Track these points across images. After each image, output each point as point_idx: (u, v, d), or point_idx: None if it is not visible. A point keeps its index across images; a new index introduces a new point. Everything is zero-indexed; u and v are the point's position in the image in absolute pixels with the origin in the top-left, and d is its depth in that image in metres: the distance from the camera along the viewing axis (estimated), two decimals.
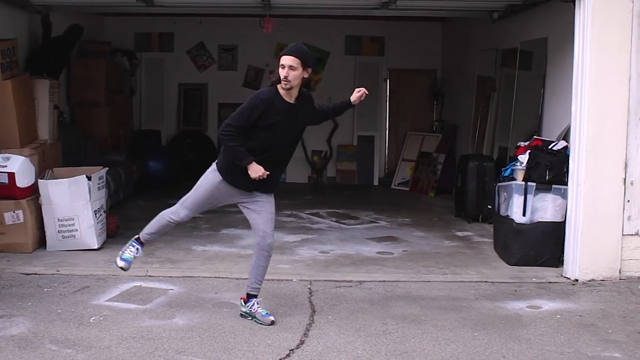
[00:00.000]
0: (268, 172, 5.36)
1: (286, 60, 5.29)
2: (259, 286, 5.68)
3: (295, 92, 5.41)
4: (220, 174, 5.53)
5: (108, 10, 12.01)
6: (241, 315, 5.68)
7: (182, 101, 13.93)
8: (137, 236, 5.84)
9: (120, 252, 5.79)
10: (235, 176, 5.47)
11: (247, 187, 5.48)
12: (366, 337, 5.30)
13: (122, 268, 5.76)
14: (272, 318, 5.54)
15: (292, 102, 5.41)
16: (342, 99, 12.77)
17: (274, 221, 5.65)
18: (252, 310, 5.60)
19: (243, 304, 5.68)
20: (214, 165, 5.61)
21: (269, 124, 5.35)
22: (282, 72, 5.29)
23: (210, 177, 5.58)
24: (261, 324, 5.52)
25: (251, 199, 5.56)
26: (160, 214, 5.76)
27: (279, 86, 5.37)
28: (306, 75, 5.38)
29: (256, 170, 5.34)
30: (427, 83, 14.12)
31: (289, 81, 5.29)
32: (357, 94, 5.65)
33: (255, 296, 5.65)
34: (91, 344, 5.01)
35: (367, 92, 5.62)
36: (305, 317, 5.70)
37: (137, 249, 5.78)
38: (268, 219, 5.56)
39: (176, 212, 5.67)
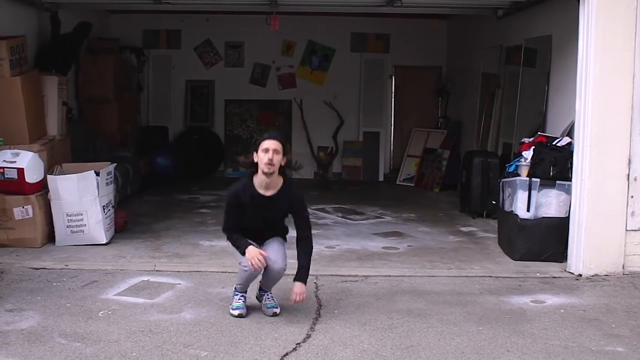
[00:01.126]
0: (262, 259, 5.36)
1: (271, 144, 5.30)
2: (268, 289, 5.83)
3: (272, 182, 5.42)
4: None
5: (116, 8, 12.05)
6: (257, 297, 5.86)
7: (189, 98, 13.94)
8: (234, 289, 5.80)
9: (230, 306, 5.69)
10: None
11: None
12: (372, 331, 5.31)
13: (240, 315, 5.57)
14: (276, 310, 5.66)
15: (266, 194, 5.44)
16: (347, 96, 12.79)
17: (284, 253, 5.62)
18: (263, 298, 5.76)
19: (258, 290, 5.84)
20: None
21: (248, 212, 5.46)
22: (267, 156, 5.28)
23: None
24: (264, 313, 5.68)
25: None
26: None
27: (256, 176, 5.42)
28: (283, 163, 5.41)
29: (251, 255, 5.35)
30: (432, 80, 14.13)
31: (273, 165, 5.30)
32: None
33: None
34: (100, 338, 5.03)
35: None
36: (311, 311, 5.71)
37: (241, 295, 5.70)
38: (275, 249, 5.58)
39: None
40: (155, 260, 7.22)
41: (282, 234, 5.78)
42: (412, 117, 14.11)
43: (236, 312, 5.59)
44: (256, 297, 5.84)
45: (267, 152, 5.28)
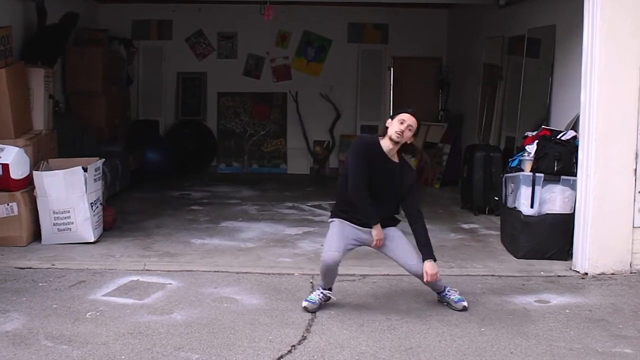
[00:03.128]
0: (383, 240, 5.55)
1: (409, 118, 5.49)
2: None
3: (395, 152, 5.56)
4: (334, 217, 5.72)
5: None
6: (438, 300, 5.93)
7: (181, 90, 13.81)
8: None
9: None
10: (346, 214, 5.64)
11: (360, 222, 5.62)
12: (370, 333, 5.24)
13: (305, 308, 5.63)
14: (464, 303, 5.73)
15: (392, 159, 5.56)
16: (344, 89, 12.86)
17: (413, 250, 5.68)
18: (446, 297, 5.82)
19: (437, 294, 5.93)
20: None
21: (371, 168, 5.48)
22: (400, 127, 5.45)
23: (332, 225, 5.71)
24: (453, 309, 5.72)
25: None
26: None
27: (383, 138, 5.55)
28: (409, 141, 5.55)
29: (377, 234, 5.53)
30: (432, 71, 13.95)
31: (403, 137, 5.47)
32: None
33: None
34: (87, 340, 4.95)
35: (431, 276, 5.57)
36: (307, 312, 5.62)
37: (321, 294, 5.73)
38: (404, 250, 5.68)
39: (325, 254, 5.68)
40: (145, 259, 7.14)
41: (395, 221, 5.78)
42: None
43: (304, 304, 5.63)
44: (439, 301, 5.90)
45: (402, 124, 5.46)
